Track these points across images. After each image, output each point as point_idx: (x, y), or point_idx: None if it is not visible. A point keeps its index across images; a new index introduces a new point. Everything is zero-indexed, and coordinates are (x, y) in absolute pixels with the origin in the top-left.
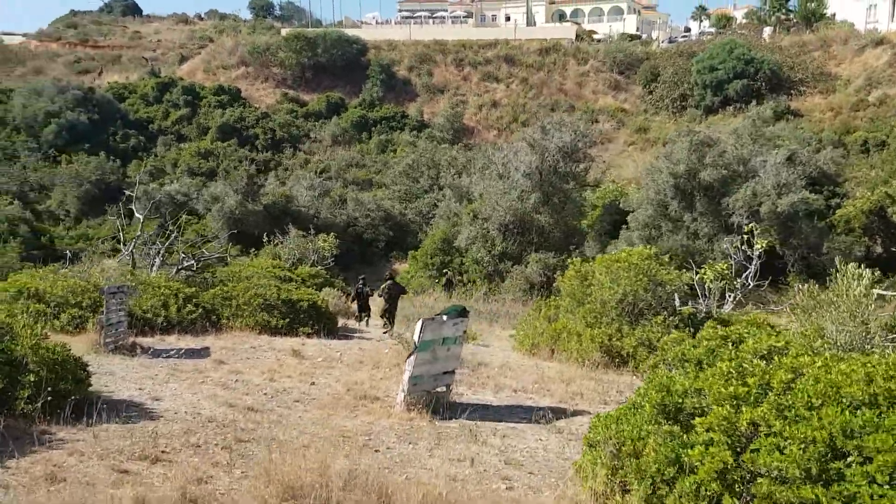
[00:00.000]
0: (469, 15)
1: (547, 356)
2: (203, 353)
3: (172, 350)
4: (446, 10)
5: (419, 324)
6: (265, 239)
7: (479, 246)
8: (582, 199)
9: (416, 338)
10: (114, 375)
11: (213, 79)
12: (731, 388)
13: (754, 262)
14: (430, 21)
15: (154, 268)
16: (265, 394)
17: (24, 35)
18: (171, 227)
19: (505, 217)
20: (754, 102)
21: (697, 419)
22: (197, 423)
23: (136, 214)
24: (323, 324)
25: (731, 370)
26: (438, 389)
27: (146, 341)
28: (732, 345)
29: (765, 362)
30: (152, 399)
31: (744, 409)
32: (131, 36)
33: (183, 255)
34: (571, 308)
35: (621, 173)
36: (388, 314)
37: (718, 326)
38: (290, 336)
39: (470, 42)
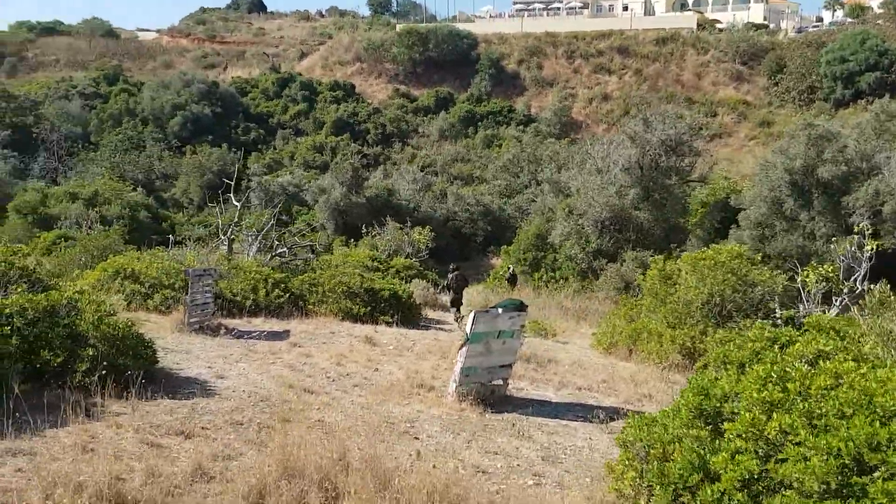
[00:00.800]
0: (585, 6)
1: (624, 356)
2: (283, 335)
3: (255, 332)
4: (562, 2)
5: (471, 315)
6: (364, 230)
7: (573, 242)
8: (685, 195)
9: (468, 329)
10: (189, 353)
11: (330, 74)
12: (764, 394)
13: (864, 265)
14: (545, 13)
15: (250, 254)
16: (328, 377)
17: (158, 31)
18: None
19: (601, 213)
20: (887, 97)
21: (727, 424)
22: (250, 401)
23: (234, 202)
24: (403, 313)
25: (771, 374)
26: (495, 382)
27: (233, 323)
28: (780, 348)
29: (809, 367)
30: (217, 377)
31: (774, 415)
32: (255, 32)
33: (277, 243)
34: (653, 307)
35: (740, 169)
36: (455, 304)
37: (769, 328)
38: (370, 324)
39: (583, 33)
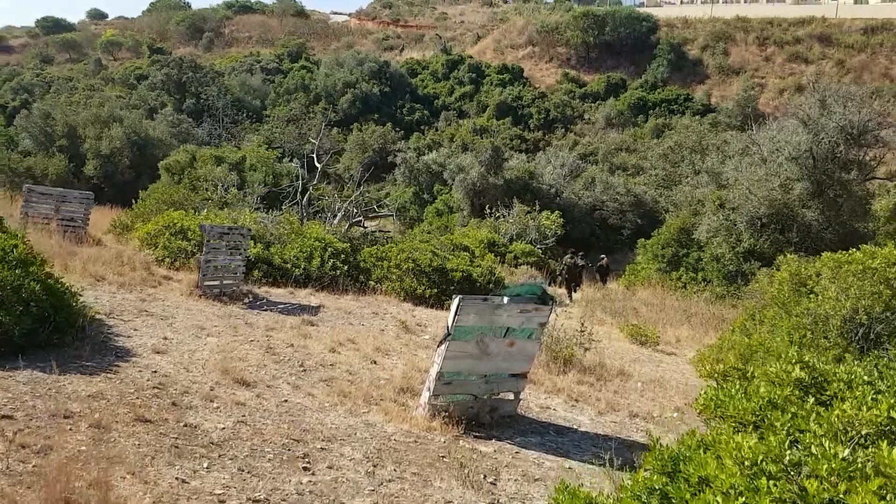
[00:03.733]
0: None
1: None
2: (312, 311)
3: (285, 304)
4: None
5: (455, 301)
6: (488, 211)
7: (722, 240)
8: (868, 194)
9: (449, 320)
10: (164, 320)
11: (501, 58)
12: None
13: None
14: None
15: (334, 222)
16: (300, 366)
17: (349, 15)
18: (419, 194)
19: (759, 208)
20: None
21: None
22: (139, 387)
23: (316, 164)
24: None
25: None
26: (499, 397)
27: (273, 292)
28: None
29: None
30: (155, 352)
31: None
32: (438, 17)
33: (354, 210)
34: (778, 320)
35: None
36: (567, 288)
37: None
38: (437, 308)
39: (779, 19)
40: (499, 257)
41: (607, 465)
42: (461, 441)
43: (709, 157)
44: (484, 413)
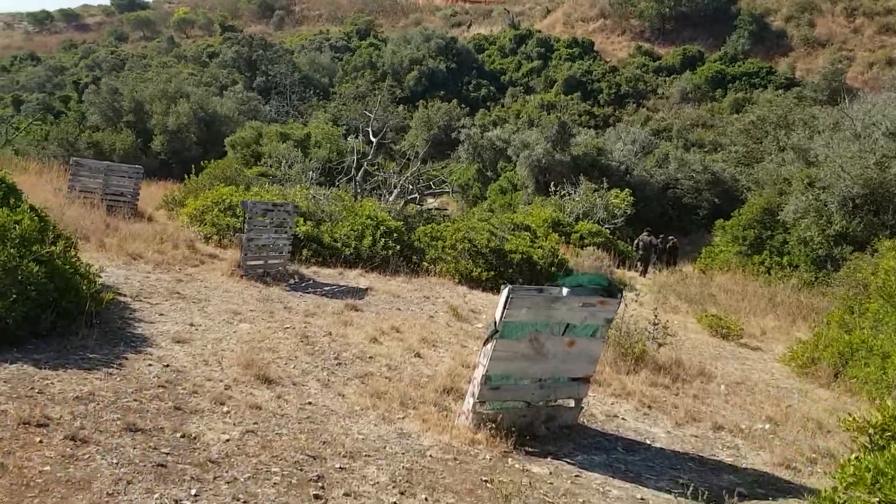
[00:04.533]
0: None
1: (826, 381)
2: (360, 294)
3: (332, 286)
4: None
5: (504, 293)
6: (553, 189)
7: (811, 222)
8: None
9: (497, 316)
10: (198, 302)
11: (571, 31)
12: None
13: None
14: None
15: (390, 199)
16: (334, 360)
17: None
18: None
19: (852, 188)
20: None
21: None
22: (150, 380)
23: (371, 138)
24: (537, 283)
25: None
26: (556, 403)
27: (321, 273)
28: None
29: None
30: (176, 341)
31: None
32: None
33: (410, 187)
34: (884, 315)
35: None
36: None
37: None
38: (493, 292)
39: None
40: (563, 237)
41: (688, 495)
42: (510, 458)
43: (795, 133)
44: (539, 423)
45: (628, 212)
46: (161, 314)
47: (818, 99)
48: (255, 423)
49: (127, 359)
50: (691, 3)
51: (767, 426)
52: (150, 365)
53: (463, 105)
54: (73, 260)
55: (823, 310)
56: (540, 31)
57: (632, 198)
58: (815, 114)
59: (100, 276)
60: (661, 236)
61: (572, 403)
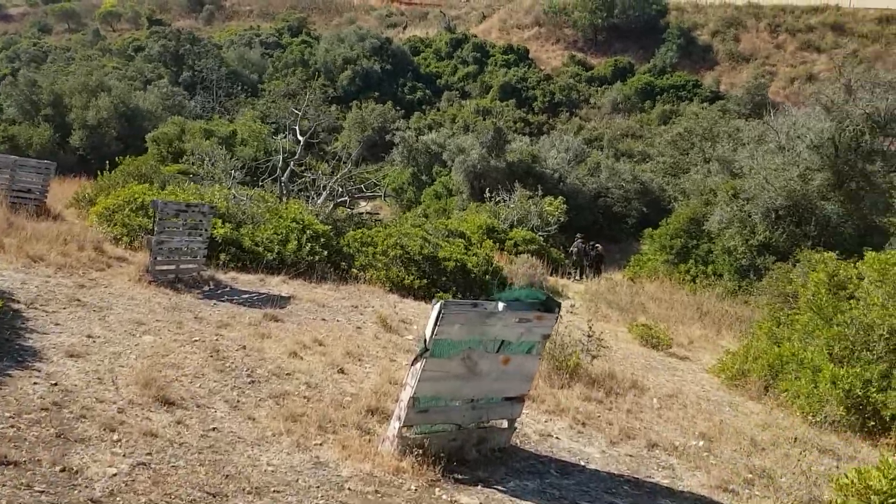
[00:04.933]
0: None
1: (756, 394)
2: (282, 302)
3: (253, 294)
4: None
5: (435, 308)
6: (488, 195)
7: (735, 232)
8: (893, 187)
9: (427, 333)
10: (99, 311)
11: (506, 38)
12: None
13: None
14: None
15: (318, 202)
16: (247, 377)
17: None
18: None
19: (775, 199)
20: None
21: None
22: (33, 402)
23: (298, 136)
24: (471, 292)
25: None
26: (488, 424)
27: (240, 278)
28: None
29: None
30: (70, 355)
31: None
32: None
33: (339, 189)
34: (813, 328)
35: None
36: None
37: None
38: (425, 301)
39: (791, 6)
40: (498, 244)
41: None
42: (437, 488)
43: (720, 145)
44: (469, 447)
45: (561, 219)
46: (57, 324)
47: (741, 112)
48: (149, 454)
49: (10, 376)
50: (623, 16)
51: (701, 443)
52: (35, 383)
53: (398, 107)
54: None
55: (747, 319)
56: (476, 36)
57: (565, 206)
58: (740, 126)
59: None
60: (590, 243)
61: (505, 424)
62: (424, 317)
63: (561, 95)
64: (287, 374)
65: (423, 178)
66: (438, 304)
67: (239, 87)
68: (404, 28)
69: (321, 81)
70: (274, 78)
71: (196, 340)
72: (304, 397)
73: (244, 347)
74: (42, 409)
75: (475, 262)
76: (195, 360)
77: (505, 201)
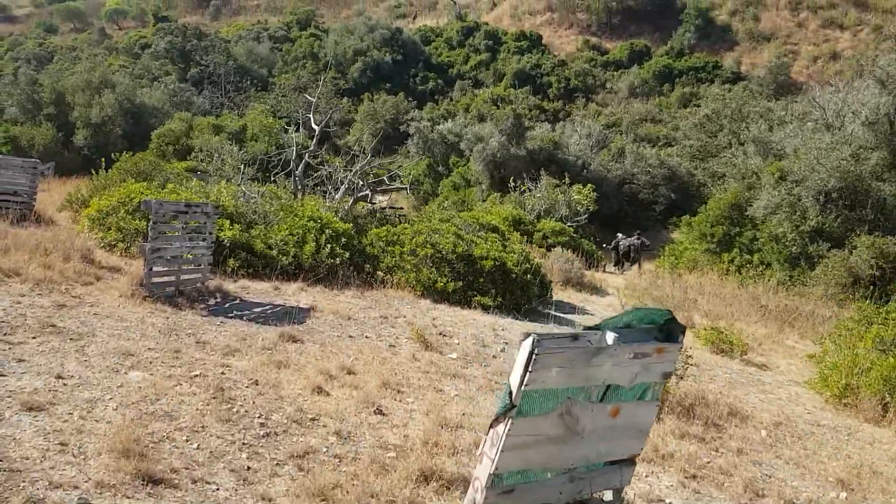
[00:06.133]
0: None
1: (872, 414)
2: (297, 318)
3: (260, 307)
4: None
5: (525, 345)
6: (512, 185)
7: (783, 217)
8: None
9: (512, 381)
10: (80, 339)
11: (518, 24)
12: None
13: None
14: None
15: (335, 197)
16: (260, 428)
17: None
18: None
19: (827, 181)
20: None
21: None
22: None
23: (313, 125)
24: (512, 294)
25: None
26: (588, 497)
27: (252, 287)
28: None
29: None
30: (27, 408)
31: None
32: None
33: (360, 183)
34: None
35: None
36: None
37: None
38: (462, 306)
39: None
40: (525, 236)
41: None
42: None
43: (754, 126)
44: None
45: (591, 208)
46: (20, 360)
47: (764, 93)
48: None
49: None
50: None
51: (844, 495)
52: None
53: (410, 98)
54: None
55: (807, 314)
56: (487, 24)
57: (594, 193)
58: (771, 107)
59: None
60: (636, 232)
61: (609, 496)
62: (465, 326)
63: (576, 81)
64: (311, 420)
65: (440, 168)
66: (530, 340)
67: (248, 82)
68: (414, 18)
69: (332, 74)
70: (284, 72)
71: (196, 375)
72: (335, 456)
73: (256, 383)
74: None
75: (515, 261)
76: (194, 404)
77: (530, 191)
